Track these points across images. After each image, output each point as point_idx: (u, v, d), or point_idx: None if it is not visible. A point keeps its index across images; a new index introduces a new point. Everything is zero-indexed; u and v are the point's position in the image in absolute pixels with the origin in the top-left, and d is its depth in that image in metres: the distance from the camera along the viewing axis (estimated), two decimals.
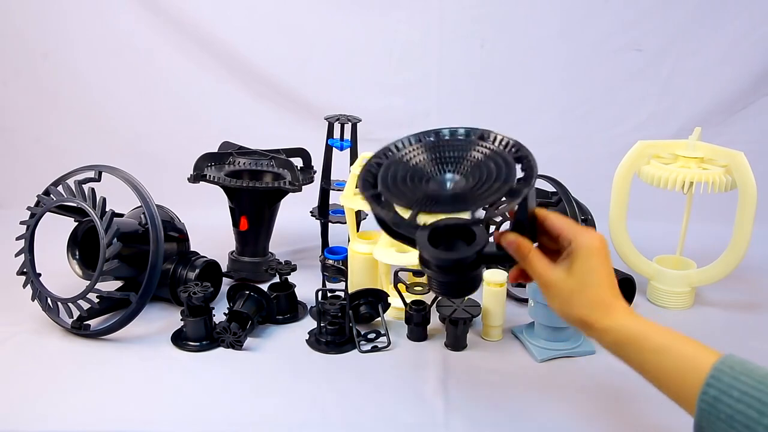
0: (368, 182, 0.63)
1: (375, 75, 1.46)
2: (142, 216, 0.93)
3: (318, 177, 1.12)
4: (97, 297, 0.91)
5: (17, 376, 0.83)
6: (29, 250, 0.93)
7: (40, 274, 0.93)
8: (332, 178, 1.11)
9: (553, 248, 0.62)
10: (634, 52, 1.43)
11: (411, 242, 0.68)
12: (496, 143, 0.65)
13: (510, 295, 1.01)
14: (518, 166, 0.61)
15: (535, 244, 0.63)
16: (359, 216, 1.13)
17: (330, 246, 1.13)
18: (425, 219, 0.58)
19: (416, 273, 0.95)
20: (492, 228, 1.05)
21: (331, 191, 1.12)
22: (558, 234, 0.60)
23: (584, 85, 1.46)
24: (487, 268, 0.87)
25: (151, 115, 1.48)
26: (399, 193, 0.60)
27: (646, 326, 0.57)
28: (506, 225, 1.05)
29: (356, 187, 0.63)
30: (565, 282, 0.58)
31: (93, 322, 0.92)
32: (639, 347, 0.56)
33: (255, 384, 0.82)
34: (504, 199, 0.58)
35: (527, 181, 0.58)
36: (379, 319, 0.93)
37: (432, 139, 0.67)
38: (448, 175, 0.63)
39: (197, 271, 0.98)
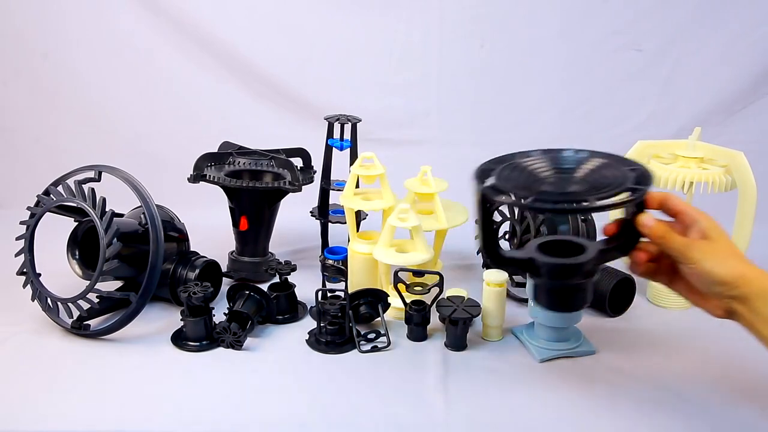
0: (483, 177, 0.69)
1: (375, 75, 1.46)
2: (142, 216, 0.93)
3: (318, 177, 1.12)
4: (97, 297, 0.91)
5: (17, 376, 0.83)
6: (29, 250, 0.93)
7: (40, 274, 0.93)
8: (332, 178, 1.11)
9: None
10: (634, 52, 1.43)
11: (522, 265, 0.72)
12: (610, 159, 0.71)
13: (510, 295, 1.01)
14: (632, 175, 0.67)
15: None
16: (359, 216, 1.13)
17: (330, 246, 1.13)
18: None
19: (416, 273, 0.95)
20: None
21: (331, 191, 1.12)
22: (679, 211, 0.66)
23: (584, 85, 1.46)
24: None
25: (151, 115, 1.48)
26: (516, 188, 0.66)
27: None
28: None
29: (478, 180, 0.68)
30: (712, 245, 0.63)
31: (93, 322, 0.92)
32: None
33: (255, 384, 0.82)
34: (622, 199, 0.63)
35: (644, 184, 0.65)
36: (379, 319, 0.93)
37: (551, 153, 0.73)
38: (563, 176, 0.69)
39: (197, 271, 0.98)
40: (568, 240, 0.74)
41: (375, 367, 0.85)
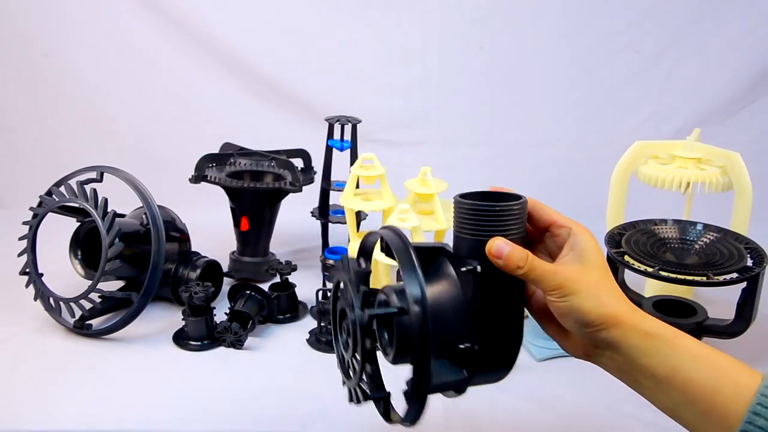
0: (614, 240, 0.87)
1: (375, 76, 1.46)
2: (144, 216, 0.94)
3: (318, 178, 1.13)
4: (99, 297, 0.92)
5: (20, 375, 0.84)
6: (32, 250, 0.94)
7: (42, 274, 0.94)
8: (332, 178, 1.12)
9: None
10: (633, 53, 1.43)
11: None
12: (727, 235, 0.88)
13: None
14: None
15: None
16: (359, 216, 1.13)
17: (330, 246, 1.13)
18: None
19: None
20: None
21: (331, 192, 1.12)
22: (551, 222, 0.52)
23: (583, 86, 1.47)
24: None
25: (152, 116, 1.48)
26: (642, 255, 0.82)
27: (676, 330, 0.48)
28: None
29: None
30: (585, 275, 0.49)
31: (95, 322, 0.93)
32: (675, 347, 0.47)
33: (256, 383, 0.82)
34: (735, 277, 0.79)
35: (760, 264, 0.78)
36: None
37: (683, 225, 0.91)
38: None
39: (198, 271, 0.98)
40: (681, 300, 0.89)
41: None
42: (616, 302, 0.49)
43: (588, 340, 0.50)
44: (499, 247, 0.48)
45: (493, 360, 0.51)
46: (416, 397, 0.48)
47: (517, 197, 0.51)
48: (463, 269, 0.50)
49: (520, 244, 0.49)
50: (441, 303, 0.50)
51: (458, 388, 0.52)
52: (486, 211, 0.49)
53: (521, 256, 0.48)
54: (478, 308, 0.49)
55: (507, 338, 0.51)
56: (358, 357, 0.50)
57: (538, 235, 0.53)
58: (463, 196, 0.51)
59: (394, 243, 0.50)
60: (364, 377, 0.51)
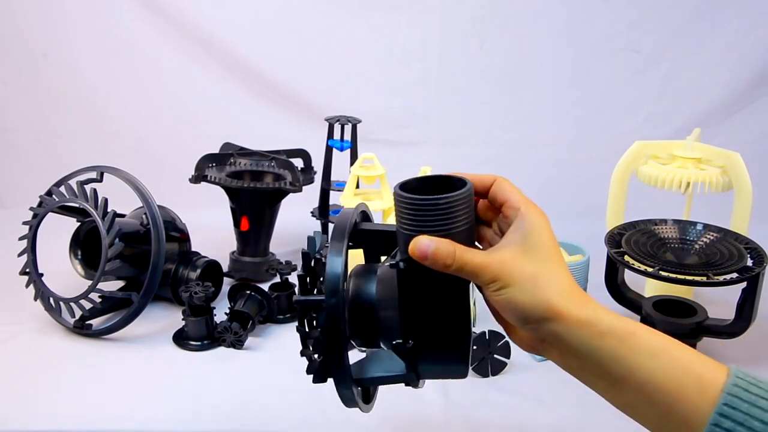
0: (614, 241, 0.88)
1: (375, 76, 1.46)
2: (144, 216, 0.94)
3: (318, 178, 1.13)
4: (99, 297, 0.92)
5: (20, 375, 0.84)
6: (32, 250, 0.94)
7: (42, 274, 0.94)
8: (332, 178, 1.12)
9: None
10: (633, 53, 1.44)
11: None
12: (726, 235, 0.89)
13: None
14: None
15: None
16: None
17: None
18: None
19: None
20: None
21: (331, 192, 1.12)
22: (503, 202, 0.47)
23: (583, 86, 1.47)
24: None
25: (152, 116, 1.48)
26: (643, 255, 0.83)
27: (633, 323, 0.43)
28: None
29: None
30: (523, 263, 0.43)
31: (95, 322, 0.93)
32: (630, 345, 0.42)
33: (256, 383, 0.82)
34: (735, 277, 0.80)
35: (760, 264, 0.79)
36: None
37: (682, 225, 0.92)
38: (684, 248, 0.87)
39: (198, 271, 0.98)
40: (681, 300, 0.88)
41: None
42: (556, 293, 0.43)
43: (534, 335, 0.45)
44: (423, 246, 0.43)
45: (435, 355, 0.46)
46: (337, 384, 0.46)
47: (460, 186, 0.44)
48: (387, 264, 0.46)
49: (462, 236, 0.44)
50: (384, 294, 0.46)
51: (405, 382, 0.48)
52: (412, 205, 0.43)
53: (448, 253, 0.43)
54: (405, 305, 0.45)
55: (444, 334, 0.46)
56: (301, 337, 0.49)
57: (494, 216, 0.49)
58: (403, 184, 0.45)
59: (337, 223, 0.47)
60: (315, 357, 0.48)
